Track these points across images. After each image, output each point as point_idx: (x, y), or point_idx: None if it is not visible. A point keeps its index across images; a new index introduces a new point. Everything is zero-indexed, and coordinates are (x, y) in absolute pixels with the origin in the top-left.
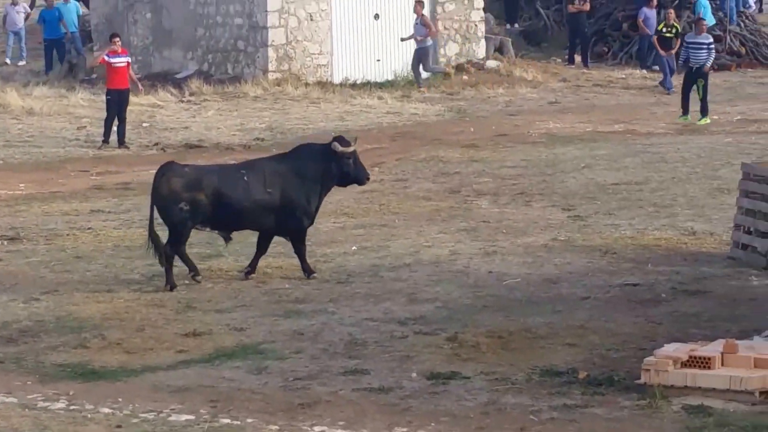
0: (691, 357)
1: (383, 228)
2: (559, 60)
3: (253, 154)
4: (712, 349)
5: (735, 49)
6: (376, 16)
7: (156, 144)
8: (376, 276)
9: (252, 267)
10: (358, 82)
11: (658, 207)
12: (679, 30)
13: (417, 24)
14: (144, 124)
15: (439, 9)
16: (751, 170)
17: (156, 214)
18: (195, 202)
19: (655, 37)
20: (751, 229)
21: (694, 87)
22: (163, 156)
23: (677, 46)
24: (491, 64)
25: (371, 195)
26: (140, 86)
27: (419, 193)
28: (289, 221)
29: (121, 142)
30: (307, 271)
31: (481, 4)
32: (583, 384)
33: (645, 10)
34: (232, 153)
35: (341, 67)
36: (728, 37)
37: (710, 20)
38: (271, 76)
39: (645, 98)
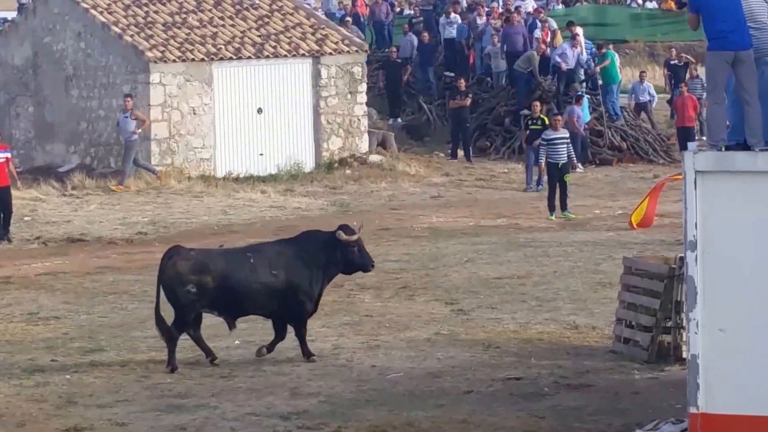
0: None
1: (266, 322)
2: (442, 154)
3: (136, 248)
4: None
5: (616, 144)
6: (259, 110)
7: (38, 238)
8: (259, 370)
9: (270, 349)
10: (241, 176)
11: (540, 301)
12: (547, 123)
13: (126, 118)
14: (25, 218)
15: (322, 103)
16: (633, 264)
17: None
18: (202, 285)
19: (524, 134)
20: (633, 323)
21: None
22: (44, 249)
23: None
24: (374, 158)
25: None
26: (19, 183)
27: None
28: (291, 305)
29: (2, 236)
30: (307, 354)
31: (364, 99)
32: None
33: (575, 108)
34: (114, 247)
35: (224, 161)
36: (609, 132)
37: (586, 117)
38: None
39: (527, 192)
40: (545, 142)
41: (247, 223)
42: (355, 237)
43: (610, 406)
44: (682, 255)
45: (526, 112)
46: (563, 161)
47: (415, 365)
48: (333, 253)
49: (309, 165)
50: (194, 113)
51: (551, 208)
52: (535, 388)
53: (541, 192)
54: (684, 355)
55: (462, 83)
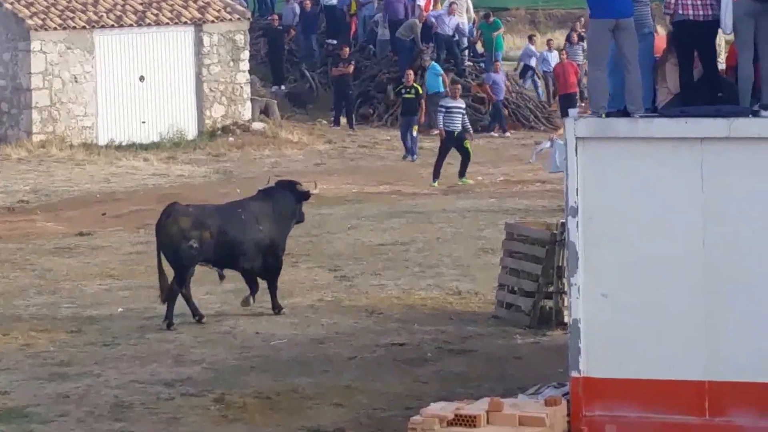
0: (456, 416)
1: (150, 290)
2: (325, 122)
3: (17, 216)
4: (478, 407)
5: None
6: (141, 78)
7: None
8: (143, 338)
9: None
10: (124, 143)
11: (423, 267)
12: (420, 91)
13: None
14: None
15: (204, 71)
16: (515, 230)
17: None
18: (202, 240)
19: (397, 102)
20: (515, 289)
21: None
22: None
23: (424, 109)
24: (257, 125)
25: (137, 257)
26: None
27: None
28: (271, 259)
29: None
30: (277, 307)
31: (247, 67)
32: None
33: (492, 74)
34: None
35: (106, 128)
36: None
37: (436, 85)
38: (35, 138)
39: (406, 161)
40: (443, 110)
41: (130, 191)
42: (317, 190)
43: (492, 371)
44: (564, 221)
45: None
46: (458, 130)
47: (299, 332)
48: (298, 206)
49: (192, 133)
50: (76, 81)
51: (436, 176)
52: (419, 353)
53: (424, 159)
54: (566, 319)
55: (345, 51)
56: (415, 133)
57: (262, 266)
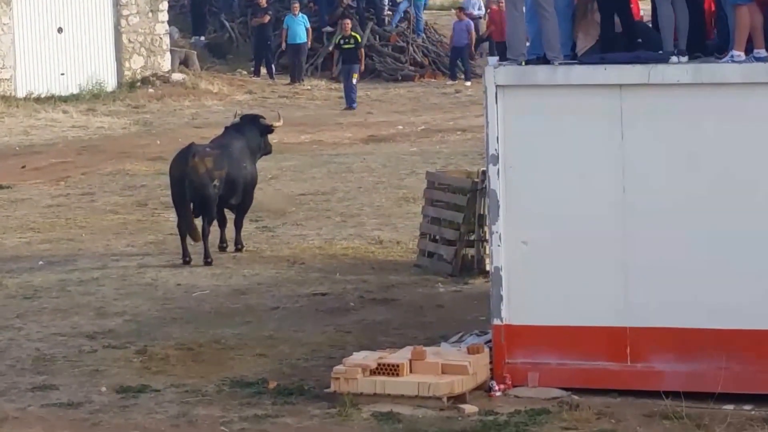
0: (379, 365)
1: (70, 242)
2: (245, 72)
3: None
4: (401, 356)
5: (418, 60)
6: (60, 30)
7: None
8: (64, 290)
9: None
10: (43, 96)
11: (345, 217)
12: (360, 40)
13: None
14: None
15: (123, 22)
16: (436, 179)
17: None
18: (221, 180)
19: (335, 53)
20: (437, 237)
21: None
22: None
23: (362, 58)
24: (177, 77)
25: (57, 209)
26: None
27: (106, 206)
28: (249, 195)
29: None
30: (240, 243)
31: (166, 17)
32: (273, 394)
33: (454, 23)
34: None
35: (25, 81)
36: (411, 48)
37: (302, 37)
38: None
39: (331, 109)
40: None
41: (49, 143)
42: (281, 123)
43: (415, 319)
44: (485, 169)
45: (329, 29)
46: None
47: (221, 283)
48: (264, 139)
49: (111, 84)
50: None
51: None
52: (341, 303)
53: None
54: (487, 267)
55: (261, 0)
56: (354, 81)
57: (242, 203)
